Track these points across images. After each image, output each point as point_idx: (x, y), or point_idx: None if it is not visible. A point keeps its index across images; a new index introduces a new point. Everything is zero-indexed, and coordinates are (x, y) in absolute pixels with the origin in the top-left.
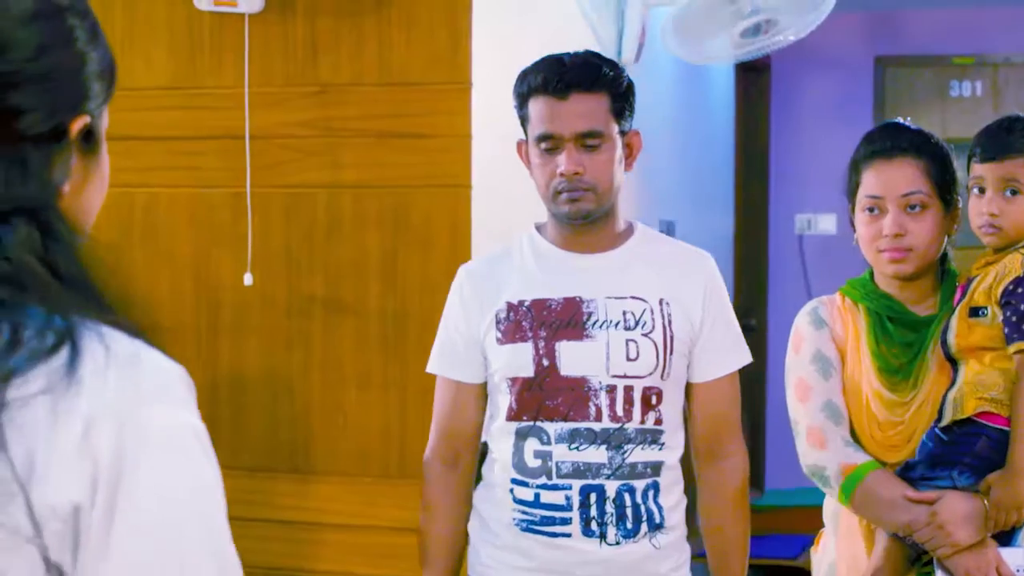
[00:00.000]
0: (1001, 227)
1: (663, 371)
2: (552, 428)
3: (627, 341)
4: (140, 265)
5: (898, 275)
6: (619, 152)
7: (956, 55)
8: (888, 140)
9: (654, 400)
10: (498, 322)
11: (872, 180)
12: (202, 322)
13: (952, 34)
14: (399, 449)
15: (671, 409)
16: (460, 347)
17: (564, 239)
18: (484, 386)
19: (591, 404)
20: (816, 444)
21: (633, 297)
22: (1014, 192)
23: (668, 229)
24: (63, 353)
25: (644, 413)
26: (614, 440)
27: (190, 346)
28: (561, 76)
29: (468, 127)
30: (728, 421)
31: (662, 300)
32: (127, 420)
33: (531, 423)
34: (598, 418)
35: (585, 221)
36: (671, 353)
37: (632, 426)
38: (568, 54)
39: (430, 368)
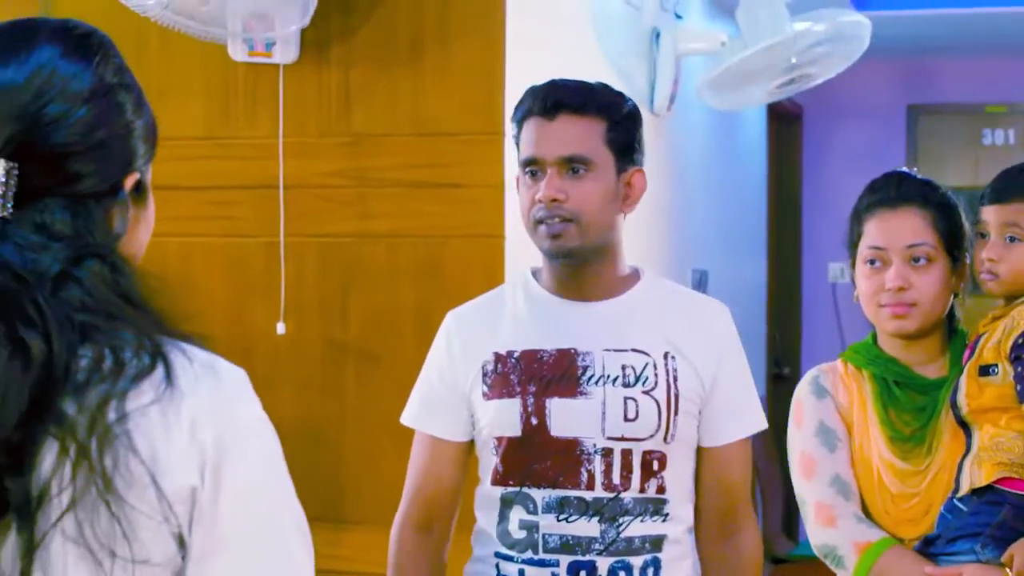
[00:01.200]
0: (998, 274)
1: (666, 433)
2: (539, 495)
3: (626, 399)
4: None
5: (900, 333)
6: (612, 186)
7: (989, 103)
8: (892, 189)
9: (656, 466)
10: (485, 375)
11: (874, 230)
12: None
13: (985, 83)
14: None
15: (677, 476)
16: (441, 399)
17: (559, 284)
18: (466, 446)
19: (583, 470)
20: (826, 522)
21: (634, 350)
22: (1012, 239)
23: (701, 278)
24: (159, 368)
25: (644, 480)
26: (608, 511)
27: None
28: (551, 96)
29: (502, 177)
30: (740, 492)
31: (667, 354)
32: (221, 417)
33: (517, 488)
34: (590, 486)
35: (570, 260)
36: (676, 413)
37: (629, 495)
38: (571, 79)
39: (404, 419)
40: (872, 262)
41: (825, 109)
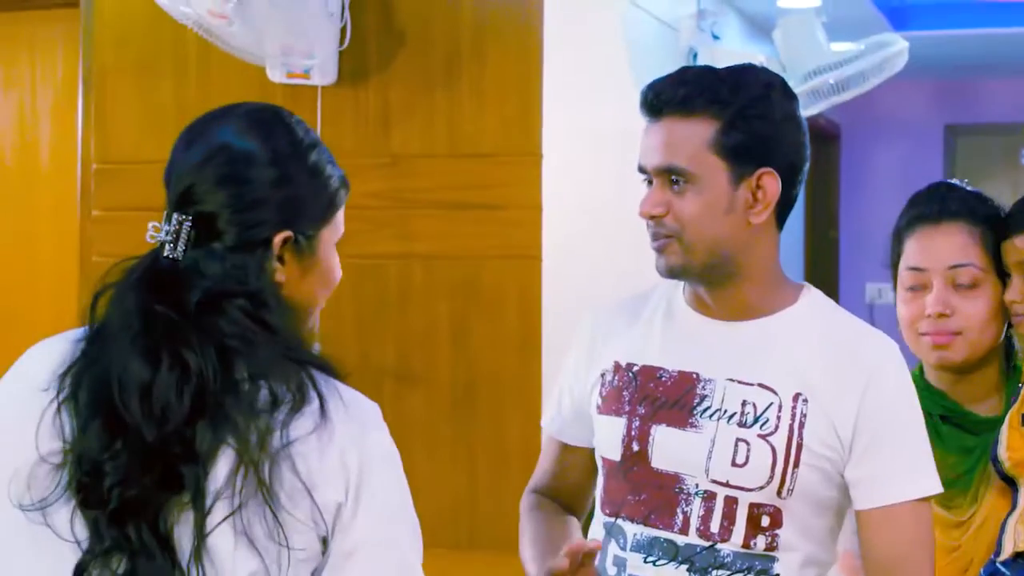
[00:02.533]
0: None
1: (780, 486)
2: (631, 531)
3: (737, 440)
4: None
5: (943, 364)
6: (723, 197)
7: None
8: (935, 203)
9: (766, 521)
10: (602, 385)
11: (914, 250)
12: None
13: (1023, 103)
14: (470, 520)
15: (799, 537)
16: (568, 404)
17: (696, 298)
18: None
19: (679, 510)
20: (849, 572)
21: (761, 385)
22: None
23: None
24: (315, 403)
25: (750, 536)
26: (699, 561)
27: None
28: (655, 90)
29: (539, 198)
30: (894, 568)
31: (798, 395)
32: (364, 445)
33: (612, 519)
34: (683, 530)
35: (683, 279)
36: (795, 465)
37: (729, 548)
38: (691, 67)
39: (542, 420)
40: (912, 286)
41: (863, 128)
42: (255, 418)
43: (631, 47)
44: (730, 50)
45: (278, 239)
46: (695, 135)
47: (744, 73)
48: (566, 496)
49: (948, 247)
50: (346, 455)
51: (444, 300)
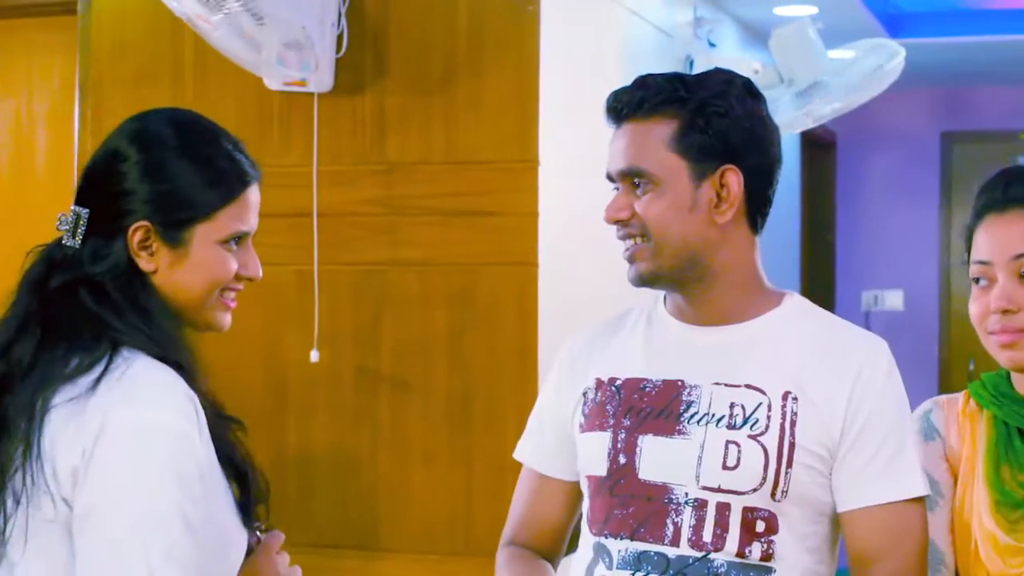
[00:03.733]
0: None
1: (774, 488)
2: (616, 548)
3: (728, 443)
4: (207, 341)
5: (1014, 365)
6: (686, 197)
7: (1022, 130)
8: (999, 189)
9: (761, 527)
10: (584, 403)
11: (981, 241)
12: (269, 398)
13: (1018, 110)
14: (466, 527)
15: (794, 544)
16: (549, 432)
17: (676, 307)
18: (575, 486)
19: (669, 521)
20: None
21: (748, 386)
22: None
23: None
24: (95, 374)
25: (744, 543)
26: (692, 573)
27: (257, 422)
28: (615, 97)
29: (535, 205)
30: (877, 572)
31: (787, 394)
32: (111, 415)
33: (598, 539)
34: (675, 542)
35: (657, 286)
36: (789, 465)
37: (723, 558)
38: (660, 74)
39: (516, 453)
40: (977, 280)
41: (859, 136)
42: (45, 384)
43: (628, 55)
44: (727, 58)
45: (132, 230)
46: (654, 136)
47: (705, 73)
48: (543, 539)
49: (1012, 236)
50: (90, 423)
51: (440, 307)
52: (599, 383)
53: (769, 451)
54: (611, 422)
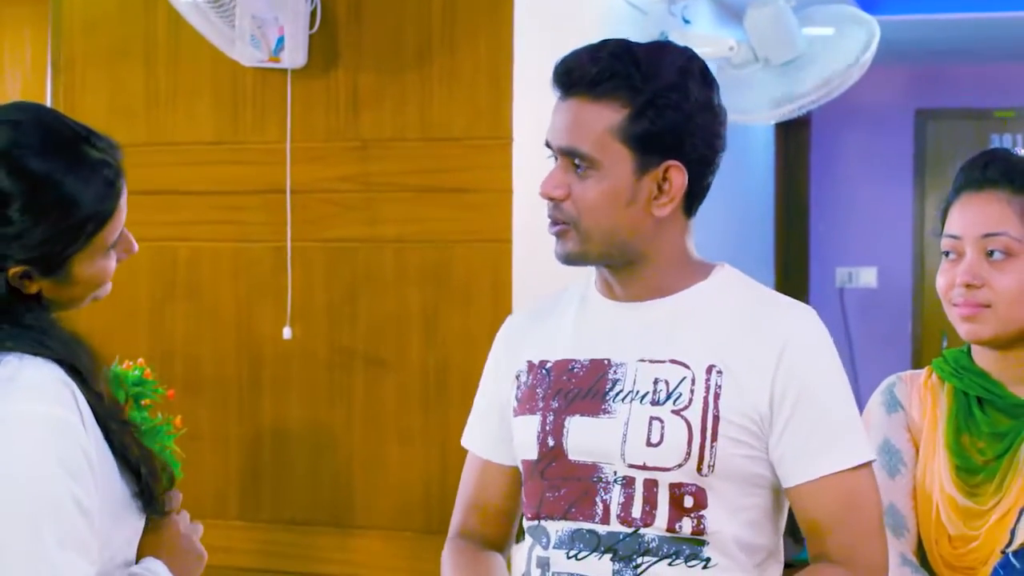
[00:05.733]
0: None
1: (700, 463)
2: (553, 528)
3: (651, 419)
4: (182, 318)
5: (974, 339)
6: (625, 187)
7: (997, 108)
8: (978, 169)
9: (689, 502)
10: (518, 387)
11: (954, 217)
12: (244, 375)
13: (993, 87)
14: (440, 504)
15: (727, 518)
16: (491, 417)
17: (604, 283)
18: (517, 471)
19: (598, 499)
20: None
21: (672, 361)
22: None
23: None
24: None
25: (674, 519)
26: (623, 549)
27: (232, 399)
28: (567, 66)
29: (509, 182)
30: (834, 539)
31: (712, 368)
32: None
33: (536, 522)
34: (604, 519)
35: (583, 265)
36: (713, 439)
37: (653, 532)
38: (609, 41)
39: (462, 439)
40: (947, 253)
41: (833, 113)
42: None
43: (602, 31)
44: (701, 34)
45: (11, 273)
46: (601, 120)
47: (661, 54)
48: (490, 526)
49: (983, 215)
50: None
51: (414, 284)
52: (531, 366)
53: (693, 425)
54: (540, 405)
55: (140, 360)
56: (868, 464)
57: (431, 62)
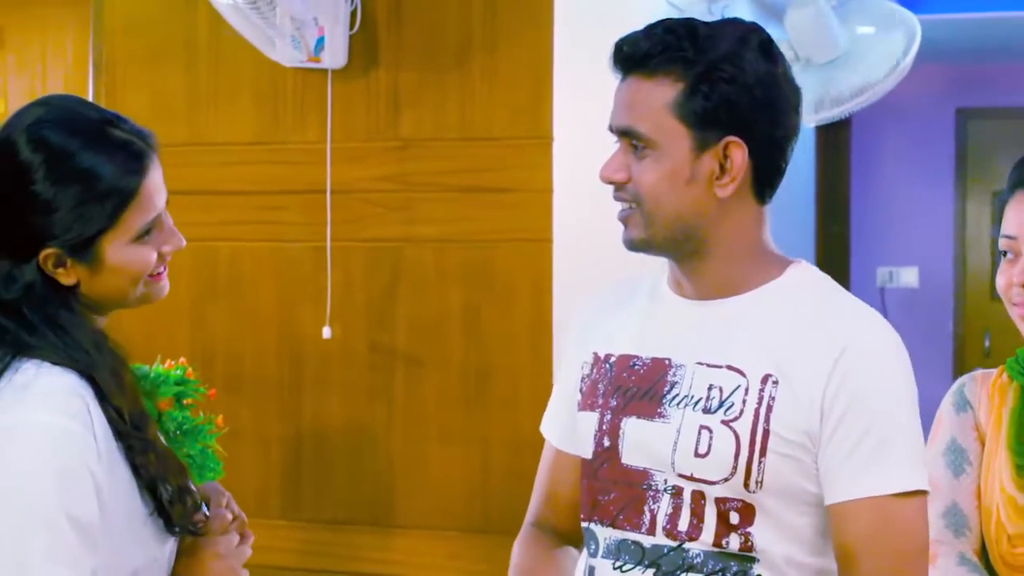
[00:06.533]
0: None
1: (747, 478)
2: (602, 535)
3: (700, 428)
4: (223, 317)
5: None
6: (684, 166)
7: None
8: None
9: (736, 518)
10: (582, 379)
11: (1011, 215)
12: (284, 374)
13: None
14: (482, 502)
15: (777, 535)
16: (563, 404)
17: (675, 278)
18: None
19: (646, 508)
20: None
21: (729, 367)
22: None
23: None
24: None
25: (721, 534)
26: (666, 564)
27: (273, 398)
28: (622, 45)
29: (550, 181)
30: (867, 569)
31: (768, 377)
32: None
33: (587, 524)
34: (651, 530)
35: (648, 253)
36: (762, 454)
37: (698, 547)
38: (668, 19)
39: (541, 425)
40: (1004, 253)
41: (873, 113)
42: None
43: None
44: None
45: (42, 256)
46: (656, 97)
47: (721, 28)
48: (562, 517)
49: None
50: None
51: (455, 283)
52: (596, 358)
53: (741, 439)
54: (600, 402)
55: (182, 359)
56: (917, 494)
57: (471, 62)
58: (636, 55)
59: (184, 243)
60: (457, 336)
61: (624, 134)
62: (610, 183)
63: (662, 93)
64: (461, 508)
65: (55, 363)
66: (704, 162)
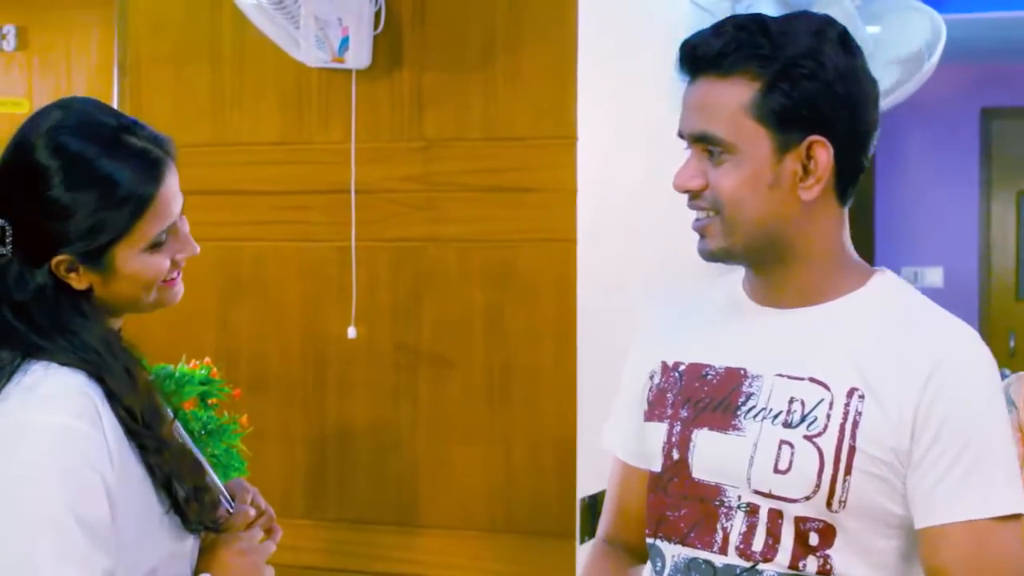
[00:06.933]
0: None
1: (830, 497)
2: (669, 552)
3: (781, 443)
4: (248, 317)
5: None
6: (766, 170)
7: None
8: None
9: (815, 539)
10: (650, 388)
11: None
12: (309, 374)
13: None
14: (505, 503)
15: (858, 559)
16: (627, 414)
17: (752, 285)
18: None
19: (719, 526)
20: None
21: (812, 380)
22: None
23: None
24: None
25: (798, 556)
26: None
27: (297, 398)
28: (689, 45)
29: (574, 181)
30: None
31: (853, 391)
32: (4, 416)
33: (653, 540)
34: (723, 549)
35: (728, 263)
36: (847, 472)
37: (773, 569)
38: (736, 15)
39: (603, 438)
40: None
41: (897, 112)
42: None
43: (666, 31)
44: None
45: (54, 262)
46: (732, 98)
47: (794, 22)
48: (631, 532)
49: None
50: None
51: (478, 284)
52: (664, 366)
53: (826, 455)
54: (669, 412)
55: (206, 359)
56: (1014, 517)
57: (495, 62)
58: (708, 55)
59: (198, 250)
60: (480, 336)
61: (699, 140)
62: (685, 191)
63: (738, 93)
64: (484, 508)
65: (64, 364)
66: (787, 164)
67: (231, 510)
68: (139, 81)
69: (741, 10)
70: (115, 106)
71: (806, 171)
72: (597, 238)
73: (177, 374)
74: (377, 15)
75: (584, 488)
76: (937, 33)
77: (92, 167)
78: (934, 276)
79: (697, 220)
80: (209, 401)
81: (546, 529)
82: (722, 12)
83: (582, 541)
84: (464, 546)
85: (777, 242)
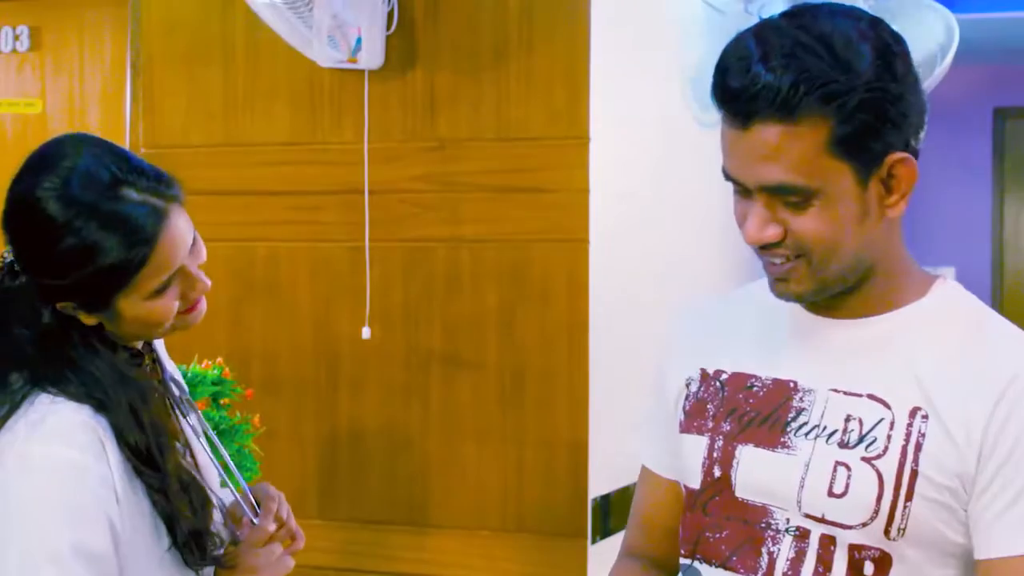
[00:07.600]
0: None
1: (888, 524)
2: (708, 575)
3: (836, 464)
4: (260, 317)
5: None
6: (855, 203)
7: None
8: None
9: (871, 569)
10: (686, 397)
11: None
12: (321, 375)
13: None
14: (517, 503)
15: None
16: (657, 423)
17: None
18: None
19: (764, 550)
20: None
21: (871, 397)
22: None
23: None
24: (5, 412)
25: None
26: None
27: (310, 398)
28: (739, 92)
29: (586, 181)
30: None
31: (916, 411)
32: (9, 449)
33: (689, 561)
34: (768, 575)
35: (801, 302)
36: (908, 498)
37: None
38: (768, 38)
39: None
40: None
41: None
42: None
43: (679, 31)
44: None
45: (59, 306)
46: (809, 142)
47: (845, 38)
48: (660, 546)
49: None
50: None
51: (491, 284)
52: (704, 374)
53: (886, 479)
54: (710, 425)
55: (219, 359)
56: None
57: (508, 62)
58: (773, 101)
59: (209, 284)
60: (493, 336)
61: (773, 192)
62: (762, 245)
63: (813, 136)
64: (496, 508)
65: (70, 397)
66: (871, 189)
67: (255, 521)
68: (152, 82)
69: (753, 11)
70: (127, 107)
71: (888, 189)
72: (610, 238)
73: (189, 374)
74: (390, 15)
75: (596, 489)
76: (951, 33)
77: (79, 236)
78: (946, 276)
79: (775, 266)
80: (221, 401)
81: (558, 529)
82: (734, 13)
83: (594, 541)
84: (476, 546)
85: (863, 266)
